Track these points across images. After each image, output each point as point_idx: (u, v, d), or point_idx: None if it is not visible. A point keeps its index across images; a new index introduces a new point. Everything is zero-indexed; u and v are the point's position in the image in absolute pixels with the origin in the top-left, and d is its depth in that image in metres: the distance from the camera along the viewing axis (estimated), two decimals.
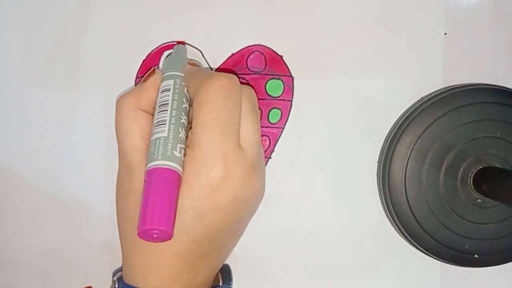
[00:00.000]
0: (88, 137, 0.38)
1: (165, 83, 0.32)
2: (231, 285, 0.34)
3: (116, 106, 0.32)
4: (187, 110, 0.31)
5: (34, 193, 0.38)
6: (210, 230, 0.30)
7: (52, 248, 0.39)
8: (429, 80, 0.38)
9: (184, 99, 0.31)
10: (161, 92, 0.31)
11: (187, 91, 0.32)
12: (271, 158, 0.38)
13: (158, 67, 0.34)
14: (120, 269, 0.33)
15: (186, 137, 0.30)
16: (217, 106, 0.29)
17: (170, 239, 0.28)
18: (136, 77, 0.37)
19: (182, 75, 0.32)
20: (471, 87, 0.36)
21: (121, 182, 0.31)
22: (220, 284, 0.34)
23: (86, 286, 0.39)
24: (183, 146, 0.30)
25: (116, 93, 0.37)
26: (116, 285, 0.32)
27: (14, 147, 0.38)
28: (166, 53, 0.35)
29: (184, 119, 0.30)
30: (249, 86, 0.33)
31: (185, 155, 0.30)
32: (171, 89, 0.31)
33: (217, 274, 0.34)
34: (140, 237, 0.27)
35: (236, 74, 0.37)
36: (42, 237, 0.39)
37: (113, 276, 0.33)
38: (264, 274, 0.39)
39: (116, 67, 0.37)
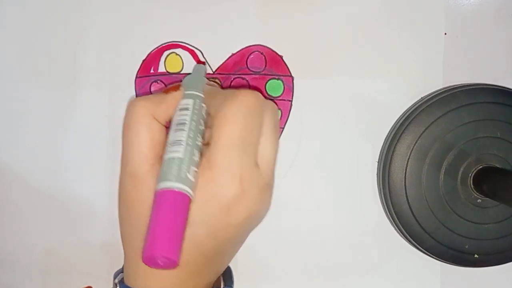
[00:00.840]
0: (88, 137, 0.38)
1: (184, 101, 0.31)
2: (232, 287, 0.34)
3: (130, 107, 0.30)
4: (204, 132, 0.30)
5: (34, 193, 0.38)
6: (220, 245, 0.29)
7: (52, 248, 0.39)
8: (429, 80, 0.38)
9: (201, 120, 0.30)
10: (179, 110, 0.30)
11: (206, 111, 0.31)
12: None
13: (182, 85, 0.33)
14: (121, 271, 0.33)
15: (200, 160, 0.30)
16: (240, 125, 0.28)
17: (175, 268, 0.27)
18: (136, 77, 0.37)
19: (202, 95, 0.31)
20: (471, 87, 0.36)
21: (125, 191, 0.30)
22: (222, 287, 0.34)
23: (86, 286, 0.39)
24: (196, 169, 0.29)
25: (116, 93, 0.37)
26: None
27: (14, 147, 0.38)
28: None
29: (200, 141, 0.30)
30: (273, 103, 0.32)
31: (197, 172, 0.29)
32: (191, 109, 0.30)
33: (218, 276, 0.34)
34: (144, 263, 0.26)
35: (236, 74, 0.37)
36: (42, 237, 0.39)
37: (114, 278, 0.33)
38: (264, 275, 0.39)
39: (116, 67, 0.37)
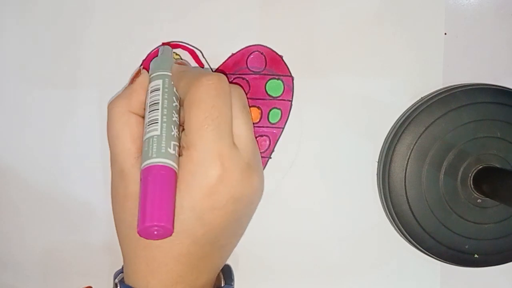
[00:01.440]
0: (88, 137, 0.38)
1: (153, 83, 0.32)
2: (232, 285, 0.34)
3: (108, 110, 0.32)
4: (178, 108, 0.31)
5: (34, 193, 0.38)
6: (210, 231, 0.30)
7: (52, 248, 0.39)
8: (429, 80, 0.38)
9: (174, 97, 0.31)
10: (150, 92, 0.31)
11: (176, 91, 0.32)
12: (271, 158, 0.38)
13: (142, 68, 0.34)
14: (121, 270, 0.33)
15: (179, 135, 0.30)
16: (207, 106, 0.29)
17: (170, 235, 0.28)
18: None
19: (170, 74, 0.32)
20: (471, 87, 0.36)
21: (116, 188, 0.31)
22: (222, 285, 0.34)
23: (86, 286, 0.39)
24: (177, 143, 0.30)
25: (116, 93, 0.37)
26: None
27: (14, 147, 0.38)
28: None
29: (176, 117, 0.31)
30: (238, 85, 0.33)
31: (180, 154, 0.30)
32: (161, 89, 0.31)
33: (218, 275, 0.34)
34: (140, 235, 0.27)
35: (236, 74, 0.37)
36: (42, 237, 0.39)
37: (114, 278, 0.33)
38: (264, 274, 0.39)
39: (116, 67, 0.37)
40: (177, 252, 0.29)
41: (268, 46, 0.37)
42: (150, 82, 0.32)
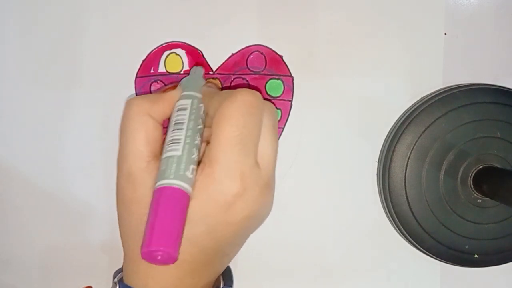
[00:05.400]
0: (88, 137, 0.38)
1: (182, 101, 0.31)
2: (232, 286, 0.34)
3: (126, 106, 0.31)
4: (202, 132, 0.31)
5: (34, 193, 0.38)
6: (218, 243, 0.29)
7: (52, 248, 0.39)
8: (429, 80, 0.38)
9: (200, 120, 0.30)
10: (177, 111, 0.31)
11: (205, 111, 0.31)
12: None
13: (180, 85, 0.33)
14: (121, 270, 0.33)
15: (199, 159, 0.30)
16: (239, 124, 0.28)
17: (174, 262, 0.27)
18: (136, 77, 0.37)
19: (200, 96, 0.31)
20: (471, 87, 0.36)
21: (123, 190, 0.30)
22: (221, 286, 0.33)
23: (86, 286, 0.39)
24: (195, 167, 0.29)
25: (116, 93, 0.37)
26: (117, 287, 0.31)
27: (14, 147, 0.38)
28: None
29: (199, 140, 0.30)
30: (271, 103, 0.32)
31: (196, 172, 0.29)
32: (188, 108, 0.30)
33: (218, 276, 0.34)
34: (143, 258, 0.26)
35: (236, 74, 0.37)
36: (42, 237, 0.39)
37: (114, 277, 0.33)
38: (264, 274, 0.39)
39: (116, 67, 0.37)
40: (181, 258, 0.29)
41: (268, 46, 0.37)
42: (179, 100, 0.31)
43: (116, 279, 0.32)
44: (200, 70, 0.35)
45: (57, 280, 0.39)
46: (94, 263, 0.39)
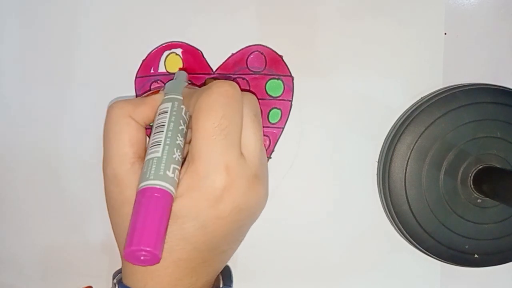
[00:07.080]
0: (88, 137, 0.38)
1: (163, 105, 0.31)
2: (231, 286, 0.34)
3: (108, 110, 0.31)
4: (184, 132, 0.31)
5: (34, 193, 0.38)
6: (211, 238, 0.29)
7: (52, 248, 0.39)
8: (429, 80, 0.38)
9: (181, 121, 0.31)
10: (158, 115, 0.31)
11: (186, 112, 0.31)
12: (271, 158, 0.38)
13: (163, 90, 0.33)
14: (120, 271, 0.33)
15: (183, 158, 0.30)
16: (217, 115, 0.28)
17: (157, 262, 0.27)
18: (136, 77, 0.37)
19: (181, 98, 0.31)
20: (471, 87, 0.36)
21: (110, 194, 0.30)
22: (221, 286, 0.33)
23: (86, 286, 0.39)
24: (178, 167, 0.29)
25: (116, 93, 0.37)
26: None
27: (14, 147, 0.38)
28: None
29: (180, 140, 0.30)
30: (251, 93, 0.32)
31: (180, 170, 0.29)
32: (169, 111, 0.31)
33: (217, 275, 0.34)
34: (126, 259, 0.26)
35: (236, 74, 0.37)
36: (42, 237, 0.39)
37: (113, 278, 0.33)
38: (264, 274, 0.39)
39: (116, 67, 0.37)
40: (177, 256, 0.29)
41: (268, 46, 0.37)
42: (160, 104, 0.31)
43: (115, 280, 0.32)
44: (183, 74, 0.35)
45: (57, 280, 0.39)
46: (94, 263, 0.39)
